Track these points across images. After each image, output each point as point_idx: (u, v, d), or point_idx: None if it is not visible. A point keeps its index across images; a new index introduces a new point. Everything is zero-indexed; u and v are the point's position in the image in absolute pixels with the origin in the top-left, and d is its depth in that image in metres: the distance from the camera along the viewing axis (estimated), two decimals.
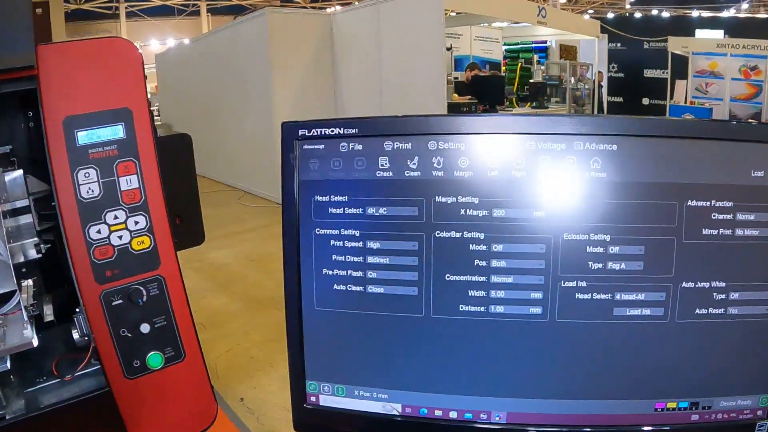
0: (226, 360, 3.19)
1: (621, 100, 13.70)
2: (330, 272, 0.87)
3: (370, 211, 0.83)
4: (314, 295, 0.88)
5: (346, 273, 0.86)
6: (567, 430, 0.84)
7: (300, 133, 0.85)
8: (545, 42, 12.22)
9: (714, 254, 0.79)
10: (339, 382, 0.90)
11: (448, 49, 8.86)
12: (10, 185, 1.15)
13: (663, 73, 13.05)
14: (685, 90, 11.97)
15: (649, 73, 13.84)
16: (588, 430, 0.84)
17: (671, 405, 0.83)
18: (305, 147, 0.85)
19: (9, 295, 1.07)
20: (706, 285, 0.80)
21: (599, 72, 12.27)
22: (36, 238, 1.15)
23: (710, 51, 11.74)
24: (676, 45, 12.38)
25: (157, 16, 21.23)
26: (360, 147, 0.83)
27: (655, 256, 0.79)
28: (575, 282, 0.80)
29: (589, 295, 0.80)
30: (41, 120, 1.05)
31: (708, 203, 0.78)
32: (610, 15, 17.58)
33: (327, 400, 0.91)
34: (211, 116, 9.07)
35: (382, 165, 0.83)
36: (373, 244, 0.84)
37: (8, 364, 1.01)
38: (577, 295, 0.80)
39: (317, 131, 0.84)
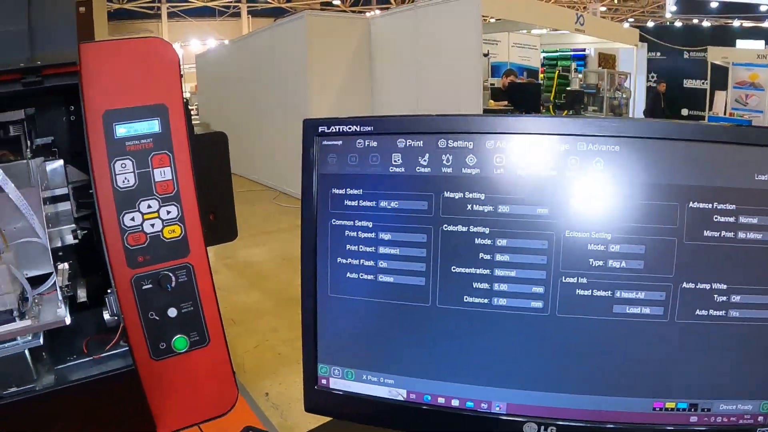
0: (253, 355, 3.23)
1: None
2: (344, 261, 0.91)
3: (383, 204, 0.87)
4: (328, 283, 0.92)
5: (359, 262, 0.90)
6: (564, 424, 0.85)
7: (320, 130, 0.90)
8: (584, 50, 12.10)
9: (715, 256, 0.79)
10: (349, 366, 0.93)
11: (485, 55, 8.85)
12: (51, 174, 1.20)
13: (702, 83, 12.75)
14: (724, 101, 11.66)
15: (688, 83, 13.53)
16: (585, 425, 0.85)
17: (670, 405, 0.83)
18: (324, 143, 0.90)
19: (46, 277, 1.12)
20: (707, 287, 0.80)
21: (661, 82, 11.94)
22: (74, 225, 1.20)
23: (751, 62, 11.40)
24: (716, 55, 12.09)
25: (198, 17, 21.63)
26: (375, 144, 0.87)
27: (655, 255, 0.80)
28: (576, 278, 0.82)
29: (590, 291, 0.81)
30: (82, 113, 1.10)
31: (710, 205, 0.78)
32: (650, 24, 17.31)
33: (337, 383, 0.95)
34: (249, 116, 9.20)
35: (395, 161, 0.86)
36: (385, 236, 0.88)
37: (41, 340, 1.06)
38: (577, 291, 0.82)
39: (336, 128, 0.89)
